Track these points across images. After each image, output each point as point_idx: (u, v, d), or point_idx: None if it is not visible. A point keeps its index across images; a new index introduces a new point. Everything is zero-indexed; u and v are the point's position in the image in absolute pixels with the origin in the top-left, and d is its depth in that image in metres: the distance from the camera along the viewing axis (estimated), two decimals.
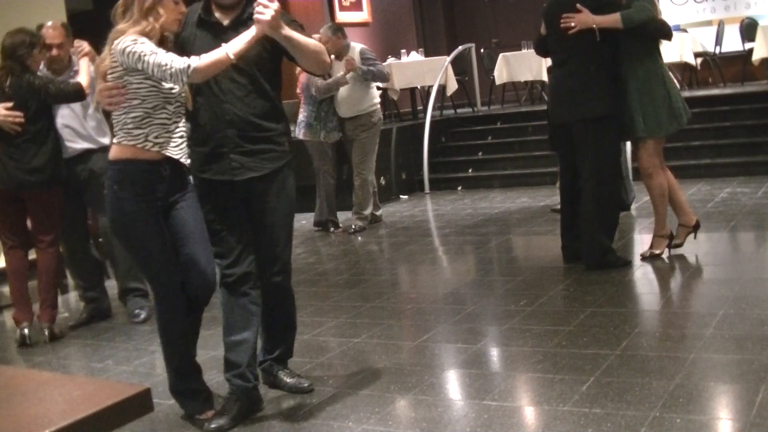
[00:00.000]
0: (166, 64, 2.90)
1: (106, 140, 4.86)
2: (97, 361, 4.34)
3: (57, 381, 1.54)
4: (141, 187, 3.04)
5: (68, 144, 4.80)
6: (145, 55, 2.92)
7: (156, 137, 3.02)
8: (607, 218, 4.88)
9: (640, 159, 4.87)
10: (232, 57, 2.95)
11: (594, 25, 4.67)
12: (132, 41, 2.95)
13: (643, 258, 4.97)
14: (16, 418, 1.26)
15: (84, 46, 4.67)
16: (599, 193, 4.82)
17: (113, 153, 3.09)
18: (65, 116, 4.80)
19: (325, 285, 5.52)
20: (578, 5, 4.69)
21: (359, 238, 6.96)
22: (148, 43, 2.96)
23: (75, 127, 4.83)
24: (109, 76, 3.04)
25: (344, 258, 6.33)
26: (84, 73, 4.61)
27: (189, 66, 2.90)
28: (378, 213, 7.44)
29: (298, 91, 7.30)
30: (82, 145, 4.85)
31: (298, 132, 7.06)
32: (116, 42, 2.98)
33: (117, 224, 3.13)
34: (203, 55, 2.96)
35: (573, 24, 4.69)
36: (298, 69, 6.75)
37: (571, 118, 4.83)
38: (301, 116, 7.10)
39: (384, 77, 7.31)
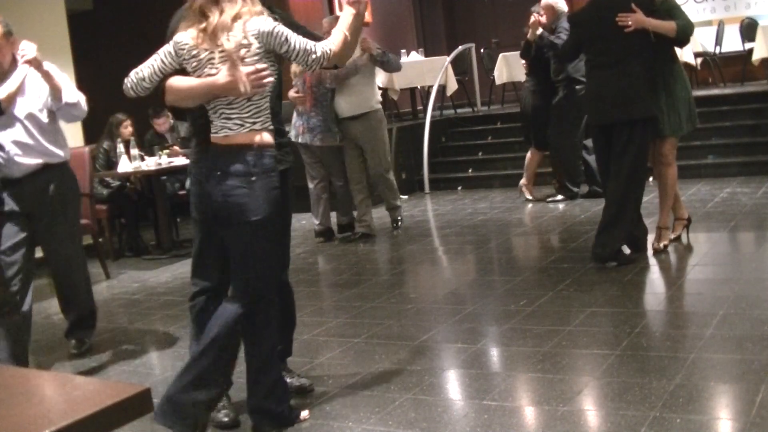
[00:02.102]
0: (310, 49, 2.86)
1: (62, 152, 4.21)
2: (97, 361, 4.35)
3: (57, 381, 1.54)
4: (277, 173, 2.98)
5: (18, 160, 4.07)
6: (291, 38, 2.85)
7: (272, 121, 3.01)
8: (629, 218, 4.92)
9: (662, 149, 5.04)
10: (347, 33, 2.95)
11: (649, 27, 4.78)
12: (275, 23, 2.87)
13: (656, 251, 5.09)
14: (16, 418, 1.26)
15: (27, 50, 3.83)
16: (630, 193, 4.88)
17: (263, 139, 2.89)
18: (13, 130, 4.08)
19: (325, 285, 5.52)
20: (633, 5, 4.75)
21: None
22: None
23: (26, 141, 4.08)
24: (247, 59, 2.84)
25: (344, 258, 6.33)
26: (13, 83, 3.94)
27: (330, 50, 2.88)
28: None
29: (294, 93, 6.53)
30: (35, 159, 4.10)
31: (310, 138, 6.49)
32: (259, 21, 2.84)
33: (271, 217, 2.91)
34: (330, 40, 2.94)
35: (630, 23, 4.74)
36: (292, 70, 6.59)
37: (623, 118, 4.82)
38: (314, 120, 6.46)
39: (399, 65, 6.87)
